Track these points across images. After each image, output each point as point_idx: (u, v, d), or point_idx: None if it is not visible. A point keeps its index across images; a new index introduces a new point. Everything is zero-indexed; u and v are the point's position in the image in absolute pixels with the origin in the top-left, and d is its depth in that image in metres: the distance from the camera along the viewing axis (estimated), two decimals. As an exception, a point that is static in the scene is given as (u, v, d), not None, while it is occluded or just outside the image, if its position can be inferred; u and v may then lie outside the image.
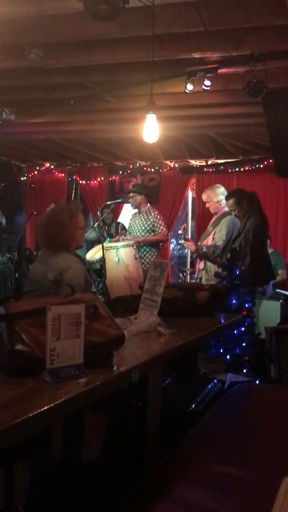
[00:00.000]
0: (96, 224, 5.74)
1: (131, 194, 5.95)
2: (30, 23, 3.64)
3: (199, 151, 7.59)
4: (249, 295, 4.60)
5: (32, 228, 8.18)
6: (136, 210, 6.00)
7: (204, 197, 5.68)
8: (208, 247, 5.21)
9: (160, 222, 5.81)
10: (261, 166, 7.44)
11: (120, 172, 8.65)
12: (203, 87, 4.39)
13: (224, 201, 5.34)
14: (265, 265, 4.95)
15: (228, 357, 4.26)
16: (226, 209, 5.28)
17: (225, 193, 5.48)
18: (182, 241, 5.94)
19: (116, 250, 5.23)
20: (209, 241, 5.39)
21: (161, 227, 5.82)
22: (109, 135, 6.81)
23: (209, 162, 7.92)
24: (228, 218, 5.22)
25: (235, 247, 4.68)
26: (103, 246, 5.04)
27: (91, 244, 6.03)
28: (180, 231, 5.65)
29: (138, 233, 5.78)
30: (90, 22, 3.28)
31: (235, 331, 4.20)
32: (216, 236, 5.25)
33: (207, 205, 5.68)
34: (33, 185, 8.57)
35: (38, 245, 3.30)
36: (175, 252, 9.69)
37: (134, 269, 5.26)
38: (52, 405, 1.13)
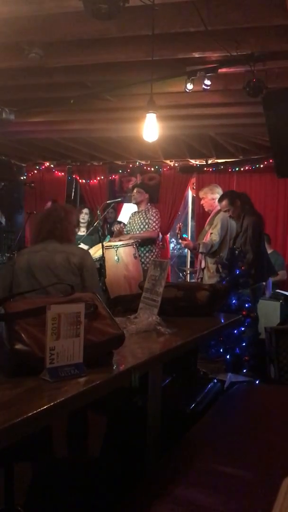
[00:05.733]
0: (96, 223, 5.71)
1: (136, 189, 5.93)
2: (30, 22, 3.62)
3: (199, 151, 7.58)
4: (253, 293, 4.65)
5: (32, 228, 8.16)
6: (136, 209, 5.99)
7: (201, 193, 5.89)
8: (204, 244, 5.29)
9: (153, 219, 5.76)
10: (261, 166, 7.43)
11: (120, 171, 8.64)
12: (203, 86, 4.38)
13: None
14: (266, 261, 5.01)
15: (228, 357, 4.26)
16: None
17: (222, 193, 5.65)
18: (180, 241, 5.96)
19: (115, 249, 5.23)
20: (206, 239, 5.51)
21: (153, 224, 5.75)
22: (109, 134, 6.80)
23: (209, 162, 7.92)
24: (221, 214, 5.37)
25: (236, 247, 4.71)
26: (102, 245, 5.04)
27: (90, 243, 6.01)
28: (177, 231, 5.75)
29: (137, 232, 5.77)
30: (90, 21, 3.28)
31: (235, 331, 4.20)
32: (212, 232, 5.36)
33: (202, 201, 5.89)
34: (33, 184, 8.57)
35: (35, 239, 3.32)
36: (175, 251, 9.68)
37: (133, 268, 5.26)
38: (52, 404, 1.13)
